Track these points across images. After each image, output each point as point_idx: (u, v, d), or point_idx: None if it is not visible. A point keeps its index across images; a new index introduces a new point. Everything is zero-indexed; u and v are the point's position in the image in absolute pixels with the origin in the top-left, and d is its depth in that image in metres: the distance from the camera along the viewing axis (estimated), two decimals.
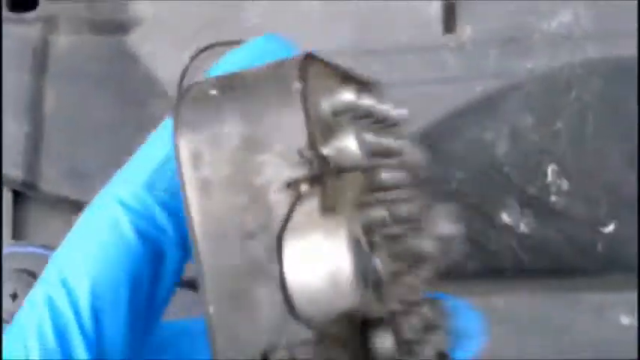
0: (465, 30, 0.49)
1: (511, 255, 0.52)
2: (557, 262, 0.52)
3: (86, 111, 0.53)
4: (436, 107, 0.50)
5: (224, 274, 0.25)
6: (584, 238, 0.52)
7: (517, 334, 0.53)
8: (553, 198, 0.51)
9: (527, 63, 0.49)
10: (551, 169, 0.51)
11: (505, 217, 0.51)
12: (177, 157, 0.25)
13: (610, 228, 0.52)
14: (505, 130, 0.50)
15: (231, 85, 0.26)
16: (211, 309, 0.25)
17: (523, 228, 0.51)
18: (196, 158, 0.25)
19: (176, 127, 0.25)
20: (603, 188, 0.51)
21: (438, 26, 0.49)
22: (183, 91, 0.28)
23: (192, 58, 0.52)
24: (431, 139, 0.50)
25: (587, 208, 0.51)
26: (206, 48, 0.52)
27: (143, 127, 0.50)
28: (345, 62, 0.49)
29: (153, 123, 0.51)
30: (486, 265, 0.51)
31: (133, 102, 0.52)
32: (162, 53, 0.52)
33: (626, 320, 0.53)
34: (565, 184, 0.51)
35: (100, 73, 0.52)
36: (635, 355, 0.53)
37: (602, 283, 0.53)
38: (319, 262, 0.23)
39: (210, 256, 0.25)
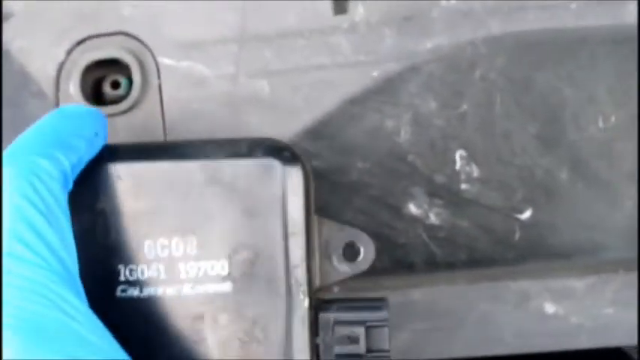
0: (358, 10, 0.46)
1: (422, 248, 0.49)
2: (473, 254, 0.49)
3: None
4: (331, 94, 0.46)
5: None
6: (499, 227, 0.49)
7: (436, 329, 0.50)
8: (463, 186, 0.48)
9: (426, 43, 0.46)
10: (459, 155, 0.47)
11: (413, 209, 0.48)
12: None
13: (527, 214, 0.49)
14: (407, 116, 0.47)
15: None
16: None
17: (433, 219, 0.48)
18: None
19: None
20: (516, 173, 0.48)
21: (327, 7, 0.45)
22: None
23: (69, 53, 0.49)
24: (328, 128, 0.46)
25: (500, 194, 0.48)
26: (82, 41, 0.48)
27: (19, 129, 0.46)
28: (230, 50, 0.46)
29: (29, 124, 0.47)
30: (396, 259, 0.48)
31: (7, 102, 0.48)
32: (36, 49, 0.48)
33: (551, 309, 0.50)
34: (475, 171, 0.48)
35: None
36: (561, 345, 0.51)
37: (524, 271, 0.50)
38: None
39: None
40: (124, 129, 0.47)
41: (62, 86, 0.48)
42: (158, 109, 0.47)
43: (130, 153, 0.41)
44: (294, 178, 0.40)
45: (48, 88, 0.48)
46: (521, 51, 0.46)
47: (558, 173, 0.48)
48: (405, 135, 0.47)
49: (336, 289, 0.49)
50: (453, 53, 0.46)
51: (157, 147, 0.43)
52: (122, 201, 0.40)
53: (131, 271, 0.40)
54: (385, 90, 0.46)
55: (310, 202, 0.40)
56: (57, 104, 0.48)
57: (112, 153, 0.41)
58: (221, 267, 0.39)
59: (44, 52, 0.48)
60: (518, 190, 0.48)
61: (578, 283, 0.51)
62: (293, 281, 0.40)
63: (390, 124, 0.47)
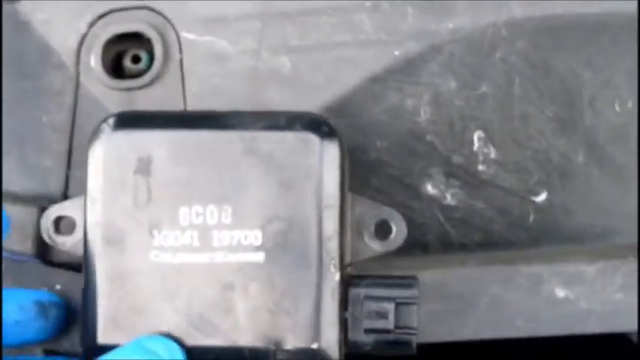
0: None
1: (437, 228, 0.49)
2: (487, 235, 0.49)
3: None
4: (352, 72, 0.46)
5: None
6: (514, 209, 0.49)
7: (447, 311, 0.50)
8: (480, 167, 0.48)
9: (448, 23, 0.46)
10: (477, 136, 0.48)
11: (430, 189, 0.48)
12: None
13: (542, 197, 0.49)
14: (427, 96, 0.47)
15: None
16: None
17: (449, 199, 0.48)
18: None
19: None
20: (532, 155, 0.48)
21: None
22: None
23: (91, 25, 0.49)
24: (348, 106, 0.47)
25: (516, 176, 0.48)
26: (104, 14, 0.49)
27: (39, 101, 0.46)
28: (253, 26, 0.46)
29: (49, 96, 0.47)
30: (410, 238, 0.48)
31: (28, 75, 0.48)
32: (57, 21, 0.48)
33: (562, 293, 0.50)
34: (492, 152, 0.48)
35: None
36: (570, 329, 0.51)
37: (536, 255, 0.51)
38: None
39: None
40: (143, 103, 0.47)
41: (83, 59, 0.48)
42: (179, 83, 0.47)
43: (169, 121, 0.42)
44: (331, 153, 0.40)
45: (69, 60, 0.48)
46: (542, 35, 0.47)
47: (574, 157, 0.48)
48: (424, 115, 0.47)
49: (349, 268, 0.49)
50: (474, 35, 0.46)
51: (196, 116, 0.43)
52: (160, 167, 0.40)
53: (165, 236, 0.40)
54: (406, 69, 0.47)
55: (345, 178, 0.41)
56: (77, 77, 0.48)
57: (151, 120, 0.41)
58: (254, 237, 0.40)
59: (66, 25, 0.48)
60: (534, 173, 0.48)
61: (588, 268, 0.51)
62: (325, 254, 0.40)
63: (410, 103, 0.47)
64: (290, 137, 0.40)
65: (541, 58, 0.47)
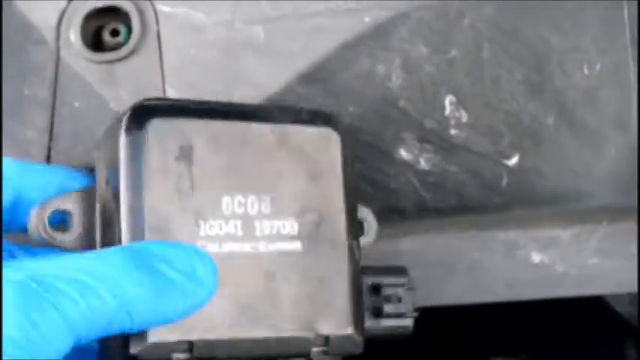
0: None
1: (412, 193, 0.50)
2: (462, 199, 0.50)
3: None
4: (324, 40, 0.48)
5: None
6: (487, 172, 0.50)
7: (426, 278, 0.51)
8: (453, 131, 0.49)
9: None
10: (448, 101, 0.49)
11: (404, 154, 0.49)
12: None
13: (514, 160, 0.50)
14: (398, 61, 0.48)
15: None
16: None
17: (423, 164, 0.49)
18: None
19: None
20: (503, 118, 0.49)
21: None
22: None
23: (70, 1, 0.50)
24: (321, 73, 0.48)
25: (488, 140, 0.49)
26: None
27: (21, 76, 0.48)
28: None
29: (31, 71, 0.48)
30: (386, 204, 0.49)
31: (8, 50, 0.49)
32: None
33: (537, 258, 0.51)
34: (464, 116, 0.49)
35: None
36: (547, 293, 0.52)
37: (511, 219, 0.51)
38: None
39: None
40: (123, 75, 0.48)
41: (63, 34, 0.49)
42: (156, 55, 0.48)
43: (203, 110, 0.41)
44: (348, 148, 0.42)
45: (49, 35, 0.49)
46: (509, 0, 0.48)
47: (544, 119, 0.49)
48: (396, 80, 0.48)
49: None
50: (442, 1, 0.48)
51: (228, 107, 0.43)
52: (201, 156, 0.40)
53: (211, 226, 0.40)
54: (376, 35, 0.48)
55: None
56: (58, 51, 0.49)
57: (184, 109, 0.41)
58: (291, 226, 0.40)
59: (45, 1, 0.49)
60: (506, 136, 0.49)
61: (563, 233, 0.52)
62: (354, 244, 0.42)
63: (381, 68, 0.48)
64: (314, 132, 0.42)
65: (509, 24, 0.48)
